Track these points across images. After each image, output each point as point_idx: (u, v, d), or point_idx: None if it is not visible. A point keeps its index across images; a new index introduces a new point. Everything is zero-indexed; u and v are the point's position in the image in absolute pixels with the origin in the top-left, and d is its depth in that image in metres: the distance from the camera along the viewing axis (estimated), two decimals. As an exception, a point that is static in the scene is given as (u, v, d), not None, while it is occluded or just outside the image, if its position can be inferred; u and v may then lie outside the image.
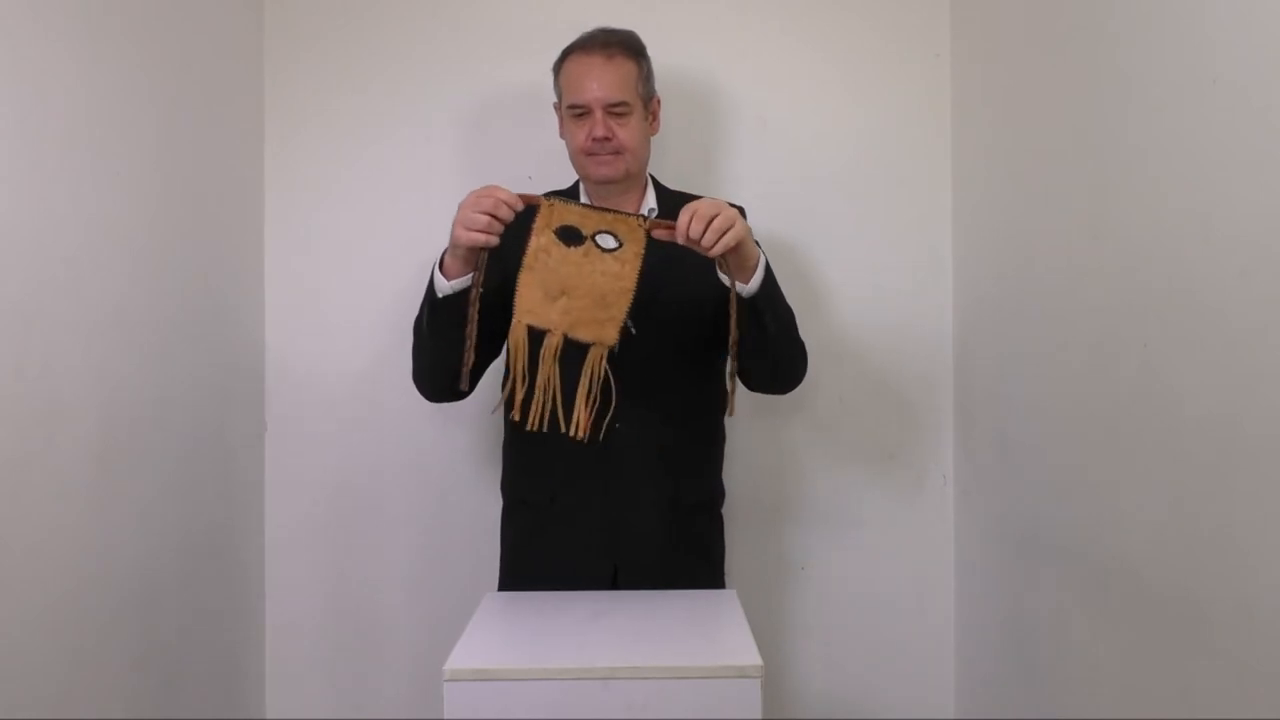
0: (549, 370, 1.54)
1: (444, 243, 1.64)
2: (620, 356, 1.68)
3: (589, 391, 1.55)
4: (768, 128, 2.22)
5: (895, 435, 2.24)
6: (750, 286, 1.59)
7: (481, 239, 1.52)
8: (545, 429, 1.56)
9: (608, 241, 1.54)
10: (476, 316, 1.55)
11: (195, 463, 1.93)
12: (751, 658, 1.32)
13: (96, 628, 1.62)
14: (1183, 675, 1.37)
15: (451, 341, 1.58)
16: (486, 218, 1.51)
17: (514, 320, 1.55)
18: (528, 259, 1.54)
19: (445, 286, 1.59)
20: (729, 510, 1.92)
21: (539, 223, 1.54)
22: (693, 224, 1.50)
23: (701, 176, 2.14)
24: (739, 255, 1.55)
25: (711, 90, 2.21)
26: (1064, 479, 1.72)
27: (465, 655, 1.36)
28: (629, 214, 1.57)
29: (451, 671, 1.29)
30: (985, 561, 2.09)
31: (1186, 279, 1.34)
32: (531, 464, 1.81)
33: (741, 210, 1.88)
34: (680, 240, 1.52)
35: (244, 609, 2.16)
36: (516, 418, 1.56)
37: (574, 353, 1.56)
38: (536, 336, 1.55)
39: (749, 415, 2.16)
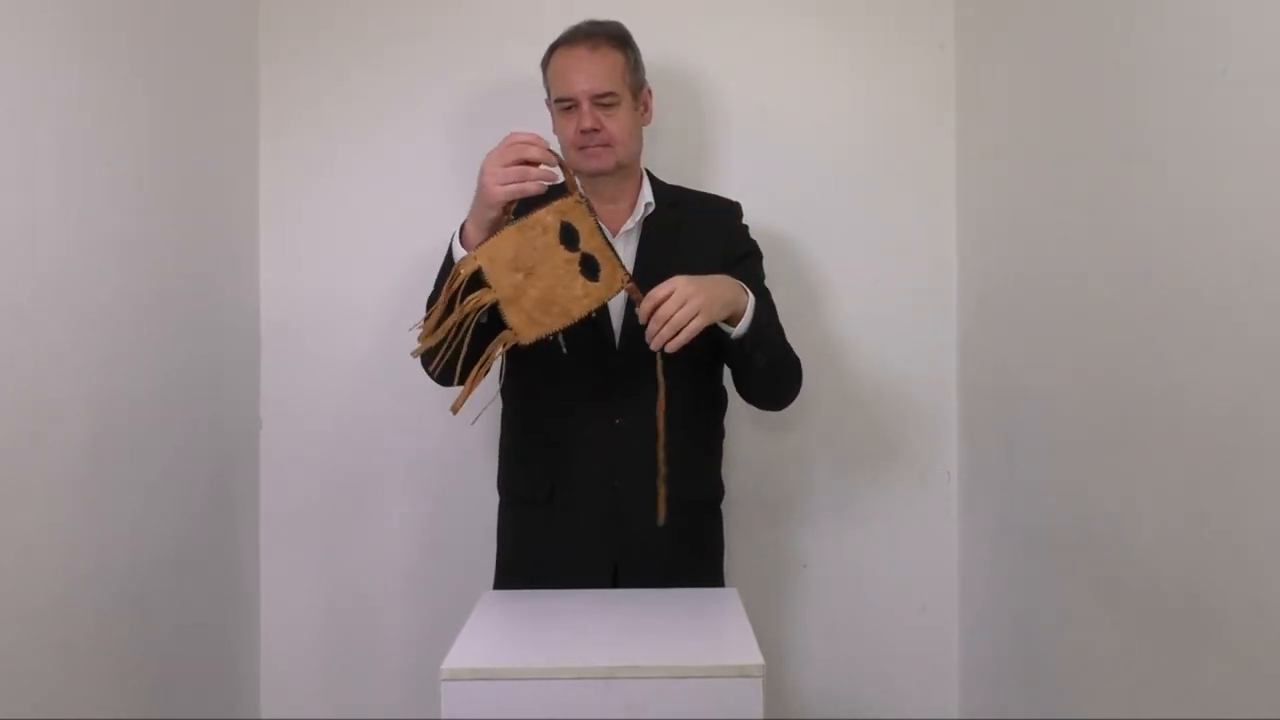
0: (460, 318, 1.50)
1: (441, 236, 1.63)
2: (621, 352, 1.66)
3: (475, 374, 1.52)
4: (766, 120, 2.19)
5: (899, 432, 2.23)
6: (738, 330, 1.60)
7: (516, 190, 1.50)
8: (435, 374, 1.54)
9: (591, 265, 1.53)
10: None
11: (189, 459, 1.91)
12: (753, 657, 1.30)
13: (89, 627, 1.60)
14: (1190, 674, 1.35)
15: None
16: (517, 166, 1.50)
17: (475, 253, 1.51)
18: (526, 220, 1.52)
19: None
20: (731, 508, 1.90)
21: (558, 203, 1.52)
22: (651, 322, 1.50)
23: (697, 169, 2.12)
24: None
25: (709, 81, 2.19)
26: (1068, 477, 1.70)
27: (463, 654, 1.34)
28: (623, 265, 1.55)
29: (449, 671, 1.28)
30: (989, 559, 2.08)
31: (1194, 274, 1.33)
32: (530, 460, 1.80)
33: (738, 206, 1.87)
34: (641, 318, 1.52)
35: (238, 607, 2.14)
36: (423, 341, 1.52)
37: (498, 323, 1.53)
38: (475, 284, 1.51)
39: (751, 412, 2.14)
